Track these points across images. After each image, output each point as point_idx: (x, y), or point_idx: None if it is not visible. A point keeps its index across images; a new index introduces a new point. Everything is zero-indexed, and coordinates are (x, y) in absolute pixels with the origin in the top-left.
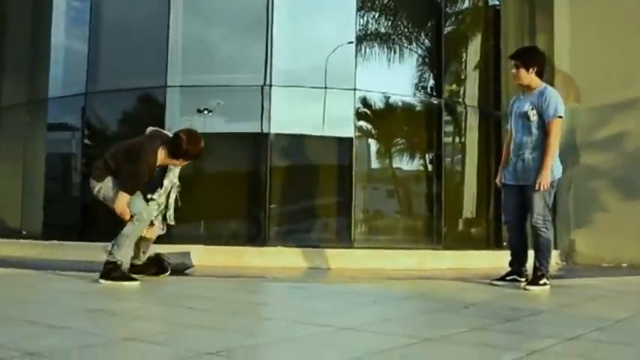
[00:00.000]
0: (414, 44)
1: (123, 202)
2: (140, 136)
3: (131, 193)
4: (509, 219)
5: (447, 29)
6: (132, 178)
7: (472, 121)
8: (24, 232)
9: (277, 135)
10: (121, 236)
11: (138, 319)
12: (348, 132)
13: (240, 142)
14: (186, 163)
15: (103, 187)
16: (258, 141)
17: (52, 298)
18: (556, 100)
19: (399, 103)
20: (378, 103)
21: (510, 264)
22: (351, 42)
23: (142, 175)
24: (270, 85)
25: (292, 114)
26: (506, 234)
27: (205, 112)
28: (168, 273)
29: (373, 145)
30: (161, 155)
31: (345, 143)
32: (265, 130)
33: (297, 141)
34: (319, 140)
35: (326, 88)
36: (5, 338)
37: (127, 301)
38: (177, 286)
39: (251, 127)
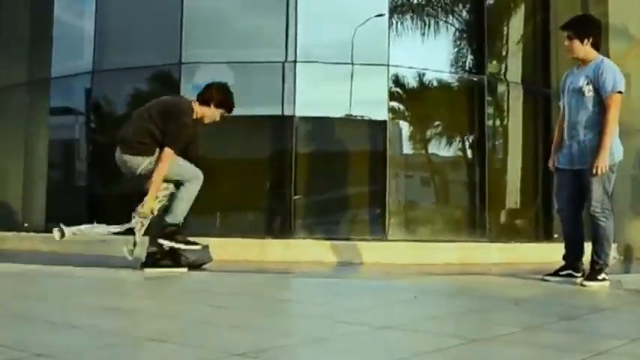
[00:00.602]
0: (453, 15)
1: (169, 162)
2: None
3: (179, 148)
4: (562, 207)
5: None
6: (182, 132)
7: (518, 100)
8: (25, 225)
9: (302, 118)
10: (178, 200)
11: (157, 317)
12: (381, 114)
13: (262, 127)
14: (218, 115)
15: (152, 161)
16: (282, 125)
17: (61, 295)
18: (614, 73)
19: (437, 81)
20: (413, 81)
21: (564, 257)
22: (382, 14)
23: (189, 128)
24: (295, 62)
25: (318, 94)
26: (559, 224)
27: (226, 114)
28: (186, 269)
29: (408, 127)
30: (194, 107)
31: (377, 126)
32: (289, 113)
33: (324, 124)
34: (349, 123)
35: (353, 64)
36: (13, 338)
37: (143, 298)
38: (195, 282)
39: (273, 109)
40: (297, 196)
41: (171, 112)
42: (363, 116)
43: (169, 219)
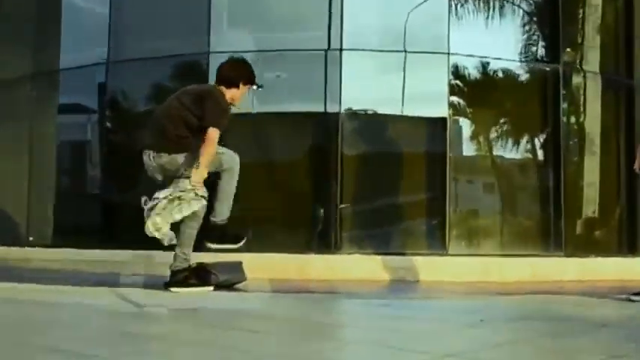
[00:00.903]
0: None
1: (214, 147)
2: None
3: (222, 129)
4: None
5: None
6: (223, 114)
7: (597, 93)
8: (31, 239)
9: (349, 115)
10: (219, 199)
11: (186, 344)
12: (440, 110)
13: (302, 125)
14: (246, 91)
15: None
16: (325, 123)
17: (75, 319)
18: None
19: (504, 72)
20: (476, 72)
21: None
22: None
23: (228, 113)
24: (340, 49)
25: (367, 87)
26: None
27: (255, 87)
28: (212, 288)
29: (471, 125)
30: (223, 91)
31: (436, 124)
32: (333, 109)
33: (373, 122)
34: (403, 121)
35: (406, 51)
36: None
37: (167, 322)
38: (228, 304)
39: (314, 105)
40: (344, 205)
41: (207, 96)
42: (419, 113)
43: (217, 219)
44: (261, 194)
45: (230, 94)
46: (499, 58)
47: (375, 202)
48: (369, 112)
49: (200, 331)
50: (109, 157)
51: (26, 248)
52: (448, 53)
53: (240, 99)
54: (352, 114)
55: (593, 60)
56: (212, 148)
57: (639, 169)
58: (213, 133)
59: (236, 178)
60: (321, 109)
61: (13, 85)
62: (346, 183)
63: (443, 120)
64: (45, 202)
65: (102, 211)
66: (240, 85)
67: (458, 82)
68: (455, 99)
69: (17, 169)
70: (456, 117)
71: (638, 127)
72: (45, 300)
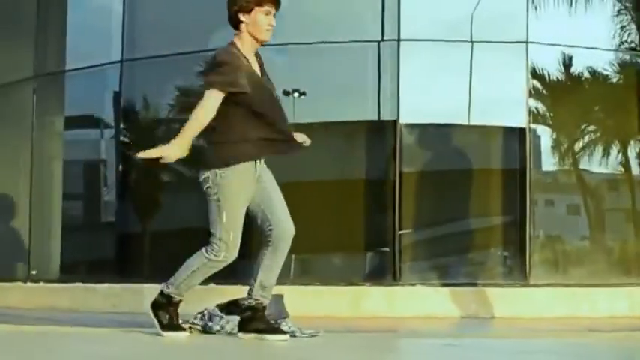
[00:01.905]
0: None
1: (202, 112)
2: None
3: (217, 88)
4: None
5: None
6: (212, 68)
7: None
8: (33, 272)
9: (409, 125)
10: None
11: None
12: (518, 117)
13: (352, 137)
14: (265, 17)
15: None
16: (381, 134)
17: None
18: None
19: (592, 66)
20: (559, 67)
21: None
22: None
23: (223, 64)
24: (398, 40)
25: (429, 89)
26: None
27: (296, 94)
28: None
29: (552, 134)
30: (235, 42)
31: (513, 135)
32: (389, 117)
33: (438, 133)
34: (473, 131)
35: (474, 41)
36: None
37: None
38: (266, 345)
39: (367, 112)
40: (403, 231)
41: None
42: (491, 121)
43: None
44: (305, 217)
45: (244, 31)
46: (586, 48)
47: (440, 227)
48: (432, 119)
49: None
50: (125, 176)
51: (29, 284)
52: (526, 42)
53: (258, 29)
54: (412, 124)
55: None
56: (200, 112)
57: None
58: (205, 93)
59: (281, 255)
60: (375, 117)
61: (10, 91)
62: (406, 204)
63: (521, 130)
64: (50, 233)
65: (117, 242)
66: (250, 12)
67: (537, 82)
68: (534, 103)
69: (17, 192)
70: (537, 125)
71: None
72: (49, 344)
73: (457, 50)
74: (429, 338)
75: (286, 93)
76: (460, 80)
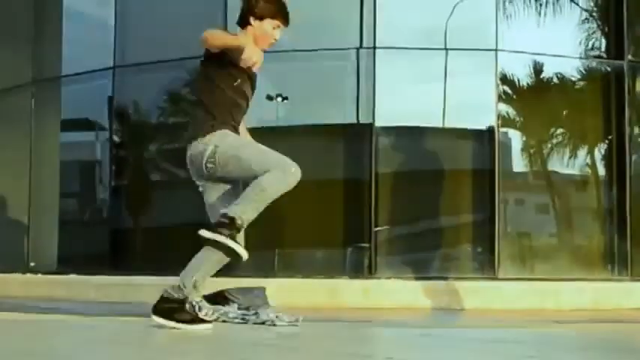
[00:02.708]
0: None
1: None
2: None
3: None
4: None
5: None
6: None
7: None
8: (32, 264)
9: (384, 128)
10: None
11: None
12: (487, 119)
13: (331, 139)
14: (273, 30)
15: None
16: (357, 136)
17: (88, 352)
18: None
19: (559, 72)
20: (527, 73)
21: None
22: None
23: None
24: (374, 48)
25: (404, 94)
26: None
27: (279, 99)
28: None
29: (521, 137)
30: (244, 34)
31: (482, 138)
32: (366, 120)
33: (412, 135)
34: (445, 133)
35: (447, 49)
36: None
37: (185, 354)
38: (249, 333)
39: (345, 116)
40: (379, 228)
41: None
42: (462, 123)
43: (228, 210)
44: (287, 216)
45: (248, 36)
46: (554, 55)
47: (414, 225)
48: (407, 125)
49: None
50: (119, 175)
51: (27, 275)
52: (495, 50)
53: (264, 39)
54: (388, 128)
55: None
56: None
57: None
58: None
59: (282, 187)
60: (353, 120)
61: (9, 95)
62: (381, 203)
63: (489, 131)
64: (48, 228)
65: (110, 238)
66: (256, 21)
67: (507, 87)
68: (504, 107)
69: (16, 189)
70: (506, 127)
71: None
72: (48, 330)
73: (430, 56)
74: (404, 328)
75: (269, 98)
76: (433, 86)
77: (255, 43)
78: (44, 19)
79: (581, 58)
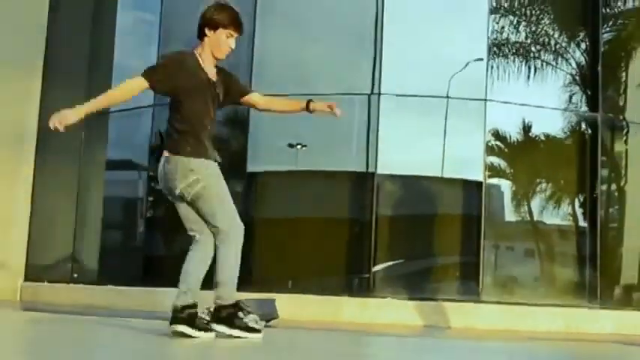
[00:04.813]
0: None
1: (121, 91)
2: None
3: (146, 79)
4: None
5: (606, 35)
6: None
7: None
8: (75, 275)
9: (385, 176)
10: (222, 273)
11: None
12: (476, 172)
13: (339, 183)
14: (226, 40)
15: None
16: (361, 183)
17: (123, 344)
18: None
19: (543, 132)
20: (514, 134)
21: None
22: (481, 58)
23: (162, 64)
24: (379, 94)
25: (404, 146)
26: None
27: (298, 146)
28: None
29: (508, 188)
30: (201, 49)
31: (471, 187)
32: (370, 169)
33: (409, 184)
34: (437, 183)
35: (448, 97)
36: None
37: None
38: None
39: (353, 164)
40: (377, 267)
41: None
42: (454, 174)
43: (224, 302)
44: (301, 248)
45: (206, 46)
46: (536, 106)
47: (410, 262)
48: (405, 174)
49: None
50: (154, 210)
51: (71, 285)
52: (485, 99)
53: (218, 48)
54: (388, 176)
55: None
56: (114, 90)
57: None
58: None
59: (235, 250)
60: (362, 169)
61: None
62: (380, 241)
63: (478, 183)
64: (91, 244)
65: (145, 263)
66: (210, 32)
67: (498, 142)
68: (493, 159)
69: (63, 210)
70: (493, 178)
71: None
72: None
73: (430, 111)
74: (399, 337)
75: (291, 145)
76: (431, 138)
77: (212, 53)
78: (98, 53)
79: (563, 110)
